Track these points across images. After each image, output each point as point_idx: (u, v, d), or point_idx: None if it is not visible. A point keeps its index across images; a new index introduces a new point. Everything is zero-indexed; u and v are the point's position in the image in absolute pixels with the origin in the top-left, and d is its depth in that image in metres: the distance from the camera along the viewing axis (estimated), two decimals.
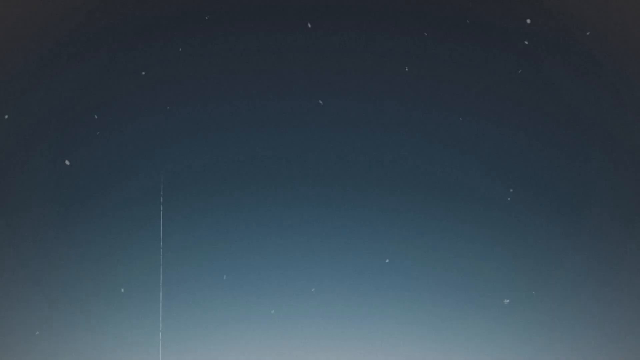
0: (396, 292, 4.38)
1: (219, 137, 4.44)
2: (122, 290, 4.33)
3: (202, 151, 4.43)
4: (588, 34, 4.23)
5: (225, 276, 4.36)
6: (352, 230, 4.44)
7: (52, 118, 4.36)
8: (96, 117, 4.27)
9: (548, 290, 4.30)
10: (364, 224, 4.44)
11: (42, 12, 4.29)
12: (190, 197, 4.42)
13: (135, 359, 4.28)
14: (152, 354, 4.29)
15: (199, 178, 4.43)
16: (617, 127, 4.31)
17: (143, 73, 4.35)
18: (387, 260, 4.38)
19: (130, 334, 4.31)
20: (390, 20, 4.39)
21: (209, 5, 4.39)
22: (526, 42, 4.29)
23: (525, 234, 4.35)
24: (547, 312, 4.29)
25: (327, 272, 4.42)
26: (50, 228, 4.33)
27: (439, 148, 4.41)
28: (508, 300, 4.06)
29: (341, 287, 4.41)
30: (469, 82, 4.38)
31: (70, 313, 4.29)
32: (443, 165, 4.40)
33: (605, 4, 4.23)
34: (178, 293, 4.37)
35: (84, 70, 4.37)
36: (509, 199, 4.34)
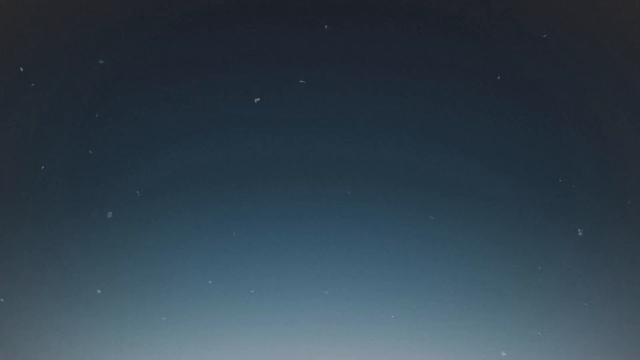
0: (397, 291, 4.39)
1: (219, 137, 4.45)
2: (123, 290, 4.34)
3: (202, 151, 4.44)
4: (589, 34, 4.23)
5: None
6: (352, 229, 4.45)
7: (52, 118, 4.37)
8: (96, 116, 4.27)
9: (548, 290, 4.31)
10: (364, 224, 4.44)
11: (42, 12, 4.29)
12: (190, 196, 4.43)
13: (135, 359, 4.29)
14: (152, 354, 4.29)
15: (199, 178, 4.44)
16: (618, 127, 4.31)
17: (143, 74, 4.36)
18: (387, 261, 4.39)
19: (130, 334, 4.31)
20: (391, 20, 4.40)
21: (209, 5, 4.40)
22: (526, 43, 4.30)
23: (526, 233, 4.36)
24: (547, 312, 4.29)
25: (327, 272, 4.43)
26: (50, 228, 4.33)
27: (439, 148, 4.41)
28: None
29: (341, 287, 4.41)
30: (469, 82, 4.38)
31: (70, 313, 4.30)
32: (443, 165, 4.40)
33: (606, 4, 4.23)
34: (178, 293, 4.38)
35: (84, 70, 4.38)
36: (509, 198, 4.35)
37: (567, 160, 4.35)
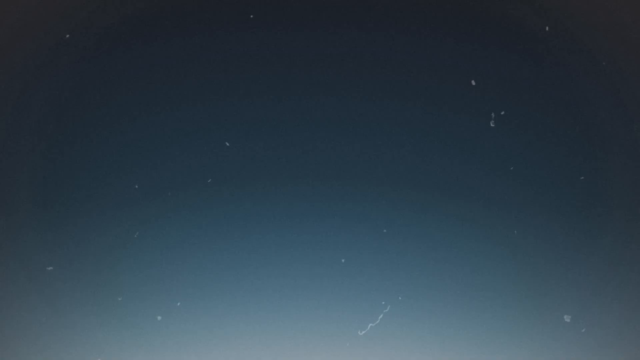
0: (396, 291, 4.39)
1: (219, 137, 4.44)
2: (123, 290, 4.34)
3: (202, 151, 4.43)
4: (588, 33, 4.23)
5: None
6: (352, 230, 4.44)
7: (52, 118, 4.37)
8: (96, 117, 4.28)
9: (548, 290, 4.30)
10: (364, 224, 4.44)
11: (42, 12, 4.29)
12: (189, 196, 4.43)
13: (135, 359, 4.29)
14: (152, 354, 4.29)
15: (199, 178, 4.44)
16: (617, 127, 4.31)
17: (143, 73, 4.36)
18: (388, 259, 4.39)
19: (130, 334, 4.31)
20: (391, 20, 4.40)
21: (209, 6, 4.40)
22: (527, 42, 4.30)
23: (525, 233, 4.35)
24: (547, 312, 4.29)
25: (327, 272, 4.43)
26: (50, 228, 4.33)
27: (439, 148, 4.41)
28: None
29: (341, 288, 4.41)
30: (469, 81, 4.38)
31: (70, 313, 4.30)
32: (443, 165, 4.40)
33: (605, 4, 4.23)
34: (178, 293, 4.38)
35: (84, 70, 4.38)
36: (509, 198, 4.35)
37: (567, 160, 4.35)
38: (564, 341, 4.24)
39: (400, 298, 4.36)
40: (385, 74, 4.42)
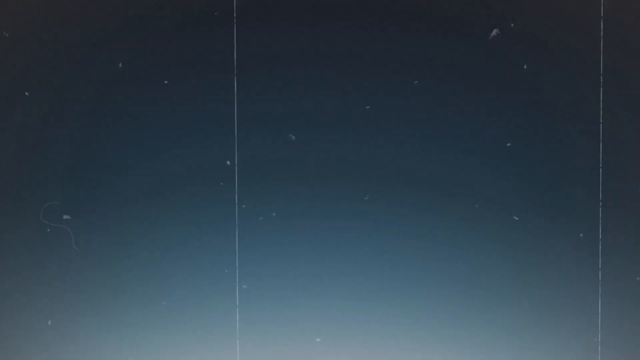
0: (396, 292, 4.39)
1: (219, 137, 4.44)
2: (123, 291, 4.34)
3: (203, 151, 4.43)
4: (586, 33, 4.23)
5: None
6: (352, 230, 4.44)
7: (52, 118, 4.36)
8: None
9: (547, 290, 4.31)
10: (363, 224, 4.44)
11: (41, 12, 4.29)
12: (190, 197, 4.43)
13: (135, 359, 4.29)
14: (152, 354, 4.29)
15: (200, 178, 4.44)
16: (617, 127, 4.31)
17: (144, 74, 4.36)
18: (387, 258, 4.39)
19: (131, 335, 4.31)
20: (391, 20, 4.39)
21: (209, 6, 4.39)
22: (525, 42, 4.30)
23: (525, 233, 4.36)
24: (546, 312, 4.30)
25: (327, 272, 4.43)
26: (51, 228, 4.33)
27: (439, 148, 4.41)
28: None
29: (341, 288, 4.41)
30: (469, 81, 4.38)
31: (71, 313, 4.30)
32: (443, 165, 4.40)
33: (604, 4, 4.22)
34: (178, 293, 4.38)
35: (85, 70, 4.37)
36: (509, 198, 4.34)
37: (567, 160, 4.35)
38: (563, 341, 4.25)
39: (400, 298, 4.37)
40: (385, 74, 4.42)
